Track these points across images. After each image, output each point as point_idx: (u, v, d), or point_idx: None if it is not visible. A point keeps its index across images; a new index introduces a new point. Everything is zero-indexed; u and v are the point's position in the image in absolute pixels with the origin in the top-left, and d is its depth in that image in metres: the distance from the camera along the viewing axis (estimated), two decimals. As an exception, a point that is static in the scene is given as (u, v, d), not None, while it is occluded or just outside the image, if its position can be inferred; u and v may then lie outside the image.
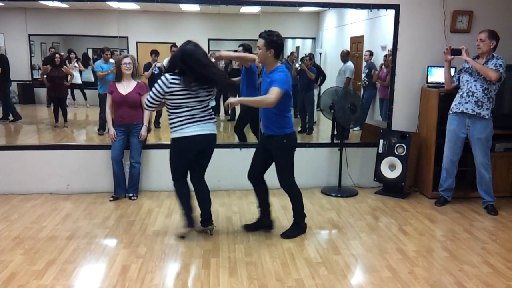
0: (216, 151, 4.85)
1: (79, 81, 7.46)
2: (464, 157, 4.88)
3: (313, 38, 8.14)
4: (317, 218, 4.51)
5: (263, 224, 4.15)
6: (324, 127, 6.87)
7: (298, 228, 4.07)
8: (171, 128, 3.74)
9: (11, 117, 7.15)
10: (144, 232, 4.08)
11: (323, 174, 5.51)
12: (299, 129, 7.52)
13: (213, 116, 3.84)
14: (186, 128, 3.68)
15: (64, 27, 7.32)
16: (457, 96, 4.73)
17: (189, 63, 3.57)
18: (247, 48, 5.30)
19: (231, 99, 3.66)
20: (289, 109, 3.84)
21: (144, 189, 5.22)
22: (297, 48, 8.59)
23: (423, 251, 3.77)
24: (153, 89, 3.61)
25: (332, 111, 5.24)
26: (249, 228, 4.16)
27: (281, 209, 4.73)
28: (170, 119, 3.73)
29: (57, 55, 6.81)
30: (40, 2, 5.33)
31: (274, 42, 3.66)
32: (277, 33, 3.72)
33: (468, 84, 4.62)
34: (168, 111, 3.75)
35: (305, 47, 8.42)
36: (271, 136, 3.85)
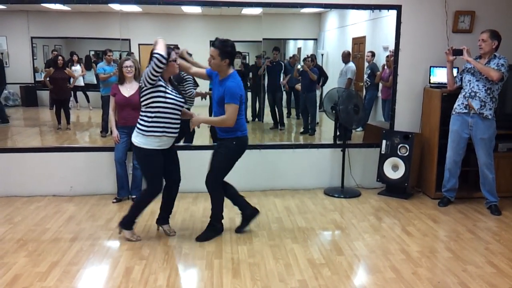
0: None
1: (82, 83, 7.47)
2: (467, 157, 4.87)
3: (315, 39, 8.15)
4: (320, 219, 4.51)
5: (248, 216, 4.14)
6: (326, 128, 6.86)
7: (213, 229, 4.04)
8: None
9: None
10: (147, 233, 4.09)
11: (326, 175, 5.50)
12: (302, 130, 7.52)
13: None
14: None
15: (66, 30, 7.33)
16: (459, 96, 4.73)
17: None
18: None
19: (194, 119, 3.74)
20: (241, 113, 3.81)
21: (147, 190, 5.22)
22: (299, 49, 8.60)
23: (427, 252, 3.76)
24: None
25: (334, 112, 5.24)
26: (241, 228, 4.15)
27: (284, 210, 4.73)
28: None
29: (59, 58, 6.83)
30: (42, 4, 5.34)
31: (229, 52, 3.68)
32: (231, 42, 3.72)
33: (470, 84, 4.62)
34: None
35: (307, 48, 8.42)
36: (223, 139, 3.87)
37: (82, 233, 4.08)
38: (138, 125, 3.70)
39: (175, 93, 3.72)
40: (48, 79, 6.90)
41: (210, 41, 6.63)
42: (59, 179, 5.13)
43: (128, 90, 4.79)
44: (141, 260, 3.55)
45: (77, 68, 7.29)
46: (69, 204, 4.87)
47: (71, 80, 7.08)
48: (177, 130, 3.76)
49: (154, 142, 3.66)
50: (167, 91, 3.63)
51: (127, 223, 3.92)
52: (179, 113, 3.73)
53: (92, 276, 3.32)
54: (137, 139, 3.69)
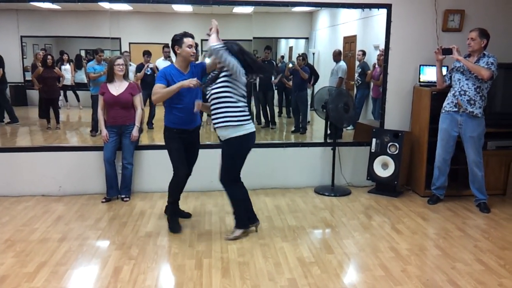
0: (210, 151, 4.88)
1: (69, 83, 7.43)
2: (456, 155, 4.89)
3: (306, 38, 8.15)
4: (310, 218, 4.51)
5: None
6: (317, 127, 6.87)
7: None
8: (231, 124, 3.71)
9: (6, 119, 7.09)
10: (136, 233, 4.07)
11: (317, 174, 5.51)
12: (293, 128, 7.52)
13: None
14: (248, 125, 3.78)
15: (56, 29, 7.29)
16: (449, 95, 4.75)
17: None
18: None
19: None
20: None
21: (137, 190, 5.21)
22: (291, 48, 8.60)
23: (416, 249, 3.77)
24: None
25: (324, 110, 5.24)
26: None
27: (275, 209, 4.73)
28: (232, 113, 3.71)
29: (49, 57, 6.79)
30: (31, 3, 5.30)
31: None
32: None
33: (460, 82, 4.64)
34: (224, 107, 3.72)
35: (299, 47, 8.42)
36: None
37: (70, 233, 4.05)
38: (226, 118, 3.69)
39: None
40: (35, 78, 6.85)
41: (201, 40, 6.64)
42: (48, 179, 5.10)
43: (117, 88, 4.77)
44: (130, 260, 3.53)
45: (66, 67, 7.25)
46: (58, 204, 4.83)
47: (61, 79, 7.04)
48: None
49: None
50: None
51: (242, 220, 3.99)
52: None
53: (80, 277, 3.30)
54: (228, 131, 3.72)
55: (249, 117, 3.79)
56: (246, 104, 3.78)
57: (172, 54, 6.66)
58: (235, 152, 3.81)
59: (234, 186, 3.93)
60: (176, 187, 4.14)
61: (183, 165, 4.07)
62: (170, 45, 4.00)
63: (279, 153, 5.38)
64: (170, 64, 4.13)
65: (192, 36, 3.96)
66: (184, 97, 3.91)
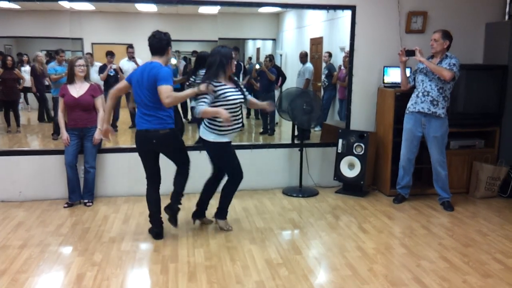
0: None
1: (29, 84, 7.21)
2: (420, 155, 4.98)
3: (274, 40, 8.15)
4: (278, 219, 4.50)
5: (175, 212, 4.07)
6: (285, 128, 6.87)
7: None
8: (224, 131, 3.88)
9: None
10: (99, 239, 3.96)
11: (285, 175, 5.51)
12: (261, 130, 7.50)
13: None
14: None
15: (16, 29, 7.03)
16: (413, 95, 4.82)
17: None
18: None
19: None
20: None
21: (100, 194, 5.08)
22: (258, 49, 8.58)
23: (382, 248, 3.81)
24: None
25: (284, 111, 5.24)
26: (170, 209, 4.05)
27: (242, 211, 4.70)
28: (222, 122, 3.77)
29: (8, 58, 6.58)
30: (-12, 2, 5.10)
31: None
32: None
33: (423, 83, 4.72)
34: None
35: (266, 48, 8.42)
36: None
37: (31, 240, 3.91)
38: None
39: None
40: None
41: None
42: (8, 183, 4.91)
43: (77, 90, 4.65)
44: (93, 266, 3.43)
45: (26, 69, 7.02)
46: (18, 210, 4.67)
47: (21, 81, 6.82)
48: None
49: None
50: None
51: (223, 213, 4.14)
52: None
53: (42, 284, 3.18)
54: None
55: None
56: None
57: (136, 55, 6.57)
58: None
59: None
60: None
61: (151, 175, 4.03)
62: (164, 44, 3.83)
63: (247, 155, 5.34)
64: (155, 63, 3.88)
65: None
66: None
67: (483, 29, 5.62)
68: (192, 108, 5.04)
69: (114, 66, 6.44)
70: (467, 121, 5.22)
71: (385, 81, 5.34)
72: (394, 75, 5.27)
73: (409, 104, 4.84)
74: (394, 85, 5.23)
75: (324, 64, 6.79)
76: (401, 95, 5.05)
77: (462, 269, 3.46)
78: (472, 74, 5.19)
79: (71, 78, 4.66)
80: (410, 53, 4.73)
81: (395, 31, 5.39)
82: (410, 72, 5.03)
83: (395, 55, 5.09)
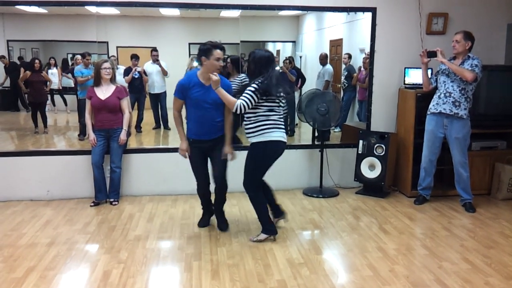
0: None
1: (56, 87, 7.39)
2: (442, 156, 4.97)
3: (293, 42, 8.19)
4: (299, 219, 4.54)
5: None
6: (305, 129, 6.91)
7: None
8: (256, 132, 3.75)
9: None
10: (125, 237, 4.06)
11: (305, 176, 5.55)
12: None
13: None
14: (273, 133, 3.75)
15: (43, 33, 7.24)
16: (434, 96, 4.81)
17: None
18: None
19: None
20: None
21: (125, 194, 5.20)
22: (278, 51, 8.63)
23: (403, 249, 3.82)
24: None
25: (300, 113, 5.29)
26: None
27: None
28: (256, 123, 3.75)
29: (36, 61, 6.77)
30: (17, 7, 5.27)
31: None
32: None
33: (445, 85, 4.71)
34: (253, 116, 3.75)
35: (286, 50, 8.47)
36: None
37: (59, 238, 4.03)
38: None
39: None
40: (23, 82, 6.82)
41: (189, 43, 6.65)
42: (36, 183, 5.07)
43: (104, 92, 4.77)
44: (119, 263, 3.53)
45: (54, 71, 7.21)
46: (46, 209, 4.81)
47: (48, 83, 7.01)
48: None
49: None
50: None
51: (267, 225, 3.98)
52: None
53: (69, 281, 3.29)
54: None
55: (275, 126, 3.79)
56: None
57: (160, 58, 6.70)
58: (256, 156, 3.83)
59: (256, 191, 3.94)
60: (199, 195, 4.25)
61: (198, 174, 4.11)
62: (197, 54, 3.80)
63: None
64: (194, 70, 3.95)
65: (222, 48, 3.77)
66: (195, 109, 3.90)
67: (505, 30, 5.58)
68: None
69: (138, 69, 6.58)
70: (489, 122, 5.18)
71: (406, 82, 5.34)
72: (415, 76, 5.27)
73: (430, 105, 4.83)
74: (415, 86, 5.22)
75: (343, 66, 6.81)
76: (422, 96, 5.04)
77: (485, 271, 3.45)
78: (493, 75, 5.15)
79: (97, 80, 4.79)
80: (432, 54, 4.73)
81: (416, 33, 5.39)
82: (432, 73, 5.02)
83: (416, 56, 5.09)
